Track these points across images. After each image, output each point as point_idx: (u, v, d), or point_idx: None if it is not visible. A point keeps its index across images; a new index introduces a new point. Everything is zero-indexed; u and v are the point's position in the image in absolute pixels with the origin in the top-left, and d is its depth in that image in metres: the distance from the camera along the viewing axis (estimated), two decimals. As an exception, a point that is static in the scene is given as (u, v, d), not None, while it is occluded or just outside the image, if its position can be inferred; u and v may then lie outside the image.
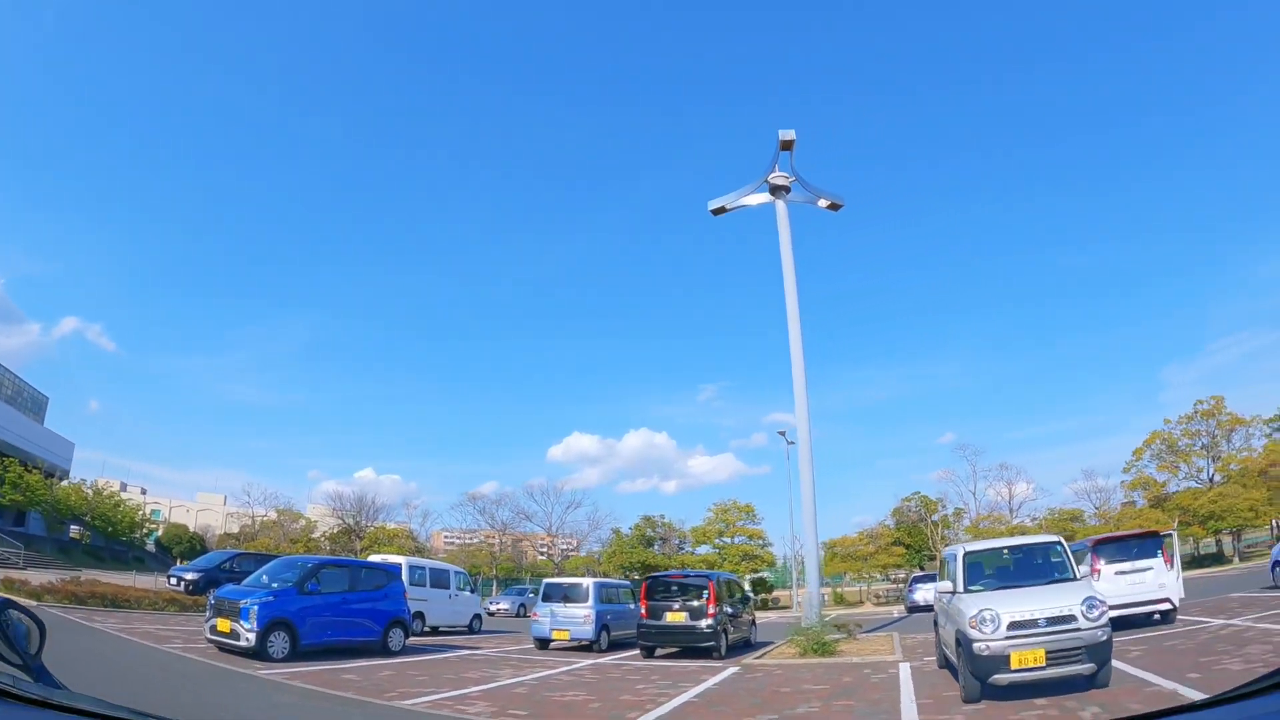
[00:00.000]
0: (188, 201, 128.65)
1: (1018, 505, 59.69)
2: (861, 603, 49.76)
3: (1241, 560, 49.00)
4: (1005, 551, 13.05)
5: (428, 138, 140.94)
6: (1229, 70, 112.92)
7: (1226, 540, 54.79)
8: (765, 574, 56.61)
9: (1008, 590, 11.17)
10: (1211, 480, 54.51)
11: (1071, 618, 9.83)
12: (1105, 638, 9.87)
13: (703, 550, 58.28)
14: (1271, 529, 54.32)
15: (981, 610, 10.03)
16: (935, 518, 58.44)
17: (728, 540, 57.17)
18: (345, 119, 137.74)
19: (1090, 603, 9.90)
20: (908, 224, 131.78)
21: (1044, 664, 9.67)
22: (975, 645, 9.88)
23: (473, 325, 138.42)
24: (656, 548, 59.66)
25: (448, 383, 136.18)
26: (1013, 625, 9.86)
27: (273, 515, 64.79)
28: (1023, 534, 48.95)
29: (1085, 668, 9.81)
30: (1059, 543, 12.18)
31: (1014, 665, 9.68)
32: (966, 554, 12.32)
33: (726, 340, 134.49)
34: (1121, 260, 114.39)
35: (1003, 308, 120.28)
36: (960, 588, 11.60)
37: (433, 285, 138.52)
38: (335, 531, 62.66)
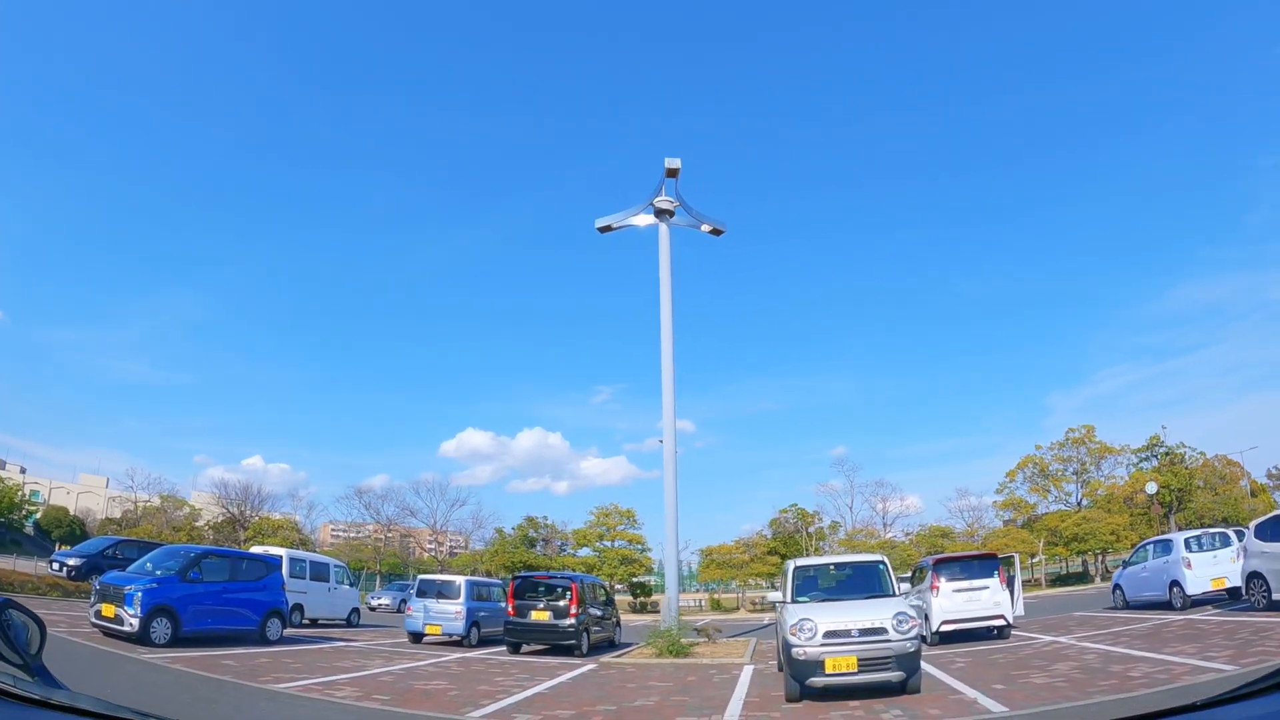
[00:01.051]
0: (86, 170, 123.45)
1: (891, 520, 61.80)
2: (738, 608, 50.90)
3: (1103, 580, 51.62)
4: (832, 568, 14.12)
5: (326, 134, 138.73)
6: (1119, 116, 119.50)
7: (1094, 560, 57.57)
8: (650, 578, 57.45)
9: (828, 603, 12.14)
10: (1079, 504, 57.42)
11: (883, 630, 10.74)
12: (914, 649, 10.80)
13: (584, 553, 58.48)
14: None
15: (801, 619, 10.89)
16: (811, 529, 60.05)
17: (608, 544, 57.56)
18: (251, 106, 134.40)
19: (901, 617, 10.84)
20: (811, 246, 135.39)
21: (856, 670, 10.58)
22: (794, 650, 10.74)
23: (368, 315, 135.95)
24: (539, 549, 59.69)
25: (342, 371, 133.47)
26: (828, 634, 10.73)
27: (156, 501, 62.91)
28: (891, 548, 51.08)
29: (894, 675, 10.72)
30: (882, 562, 13.25)
31: (828, 670, 10.57)
32: (796, 568, 13.33)
33: (624, 345, 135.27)
34: (1012, 290, 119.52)
35: (897, 328, 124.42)
36: (789, 598, 12.53)
37: (331, 274, 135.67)
38: (219, 521, 61.10)
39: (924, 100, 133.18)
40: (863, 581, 12.95)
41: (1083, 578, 54.82)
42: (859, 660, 10.56)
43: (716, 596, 55.85)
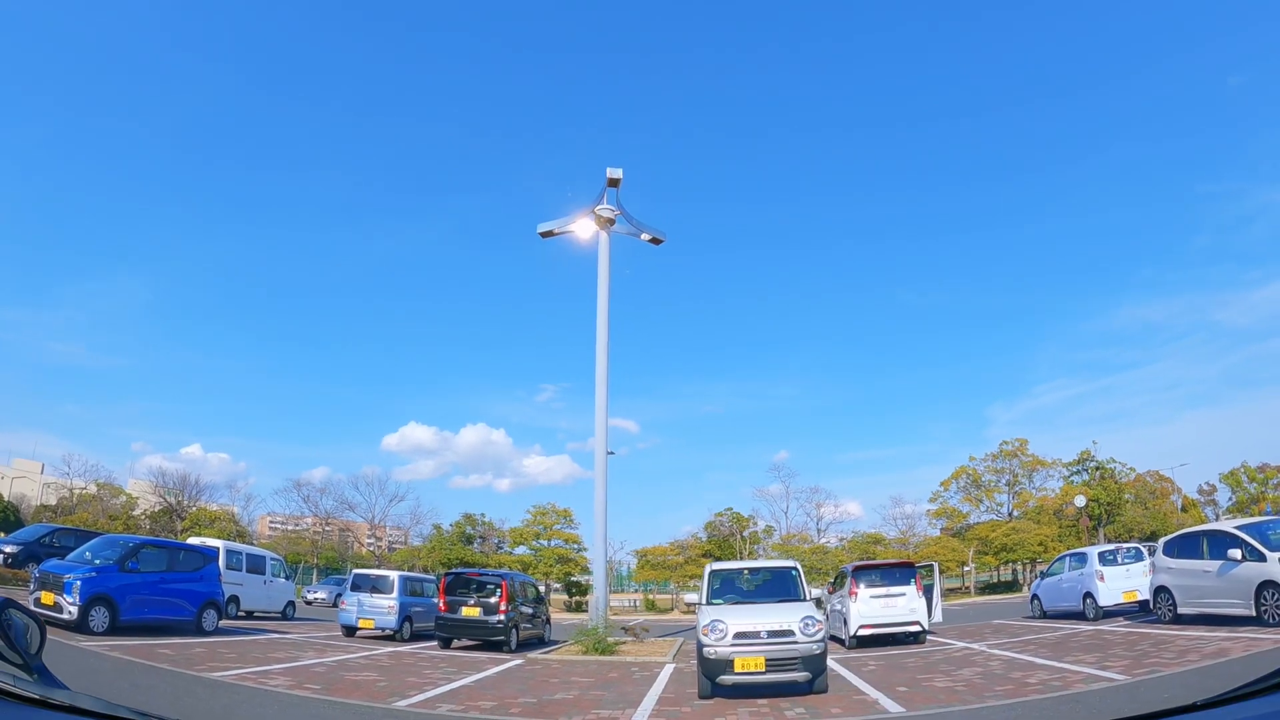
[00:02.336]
0: (26, 156, 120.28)
1: (825, 526, 62.62)
2: (672, 609, 51.46)
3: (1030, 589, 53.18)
4: (747, 572, 14.80)
5: (273, 132, 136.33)
6: (1066, 140, 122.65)
7: (1024, 569, 59.05)
8: (586, 577, 57.68)
9: (741, 605, 12.71)
10: (1010, 515, 59.06)
11: (790, 632, 11.31)
12: (820, 651, 11.36)
13: (520, 551, 58.66)
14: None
15: (713, 620, 11.44)
16: (746, 533, 60.72)
17: (544, 543, 57.81)
18: (196, 103, 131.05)
19: (808, 620, 11.41)
20: (760, 256, 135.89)
21: (764, 670, 11.12)
22: (705, 650, 11.28)
23: (312, 308, 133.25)
24: (476, 546, 59.71)
25: (285, 363, 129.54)
26: (738, 635, 11.28)
27: (93, 489, 61.82)
28: (824, 553, 52.15)
29: (800, 675, 11.28)
30: (795, 568, 13.90)
31: (738, 669, 11.11)
32: (713, 572, 13.94)
33: (569, 345, 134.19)
34: (957, 303, 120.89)
35: (842, 338, 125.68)
36: (704, 600, 13.10)
37: (274, 267, 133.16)
38: (157, 510, 60.22)
39: (872, 120, 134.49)
40: (776, 586, 13.57)
41: (1012, 586, 56.30)
42: (767, 660, 11.10)
43: (651, 597, 56.48)
